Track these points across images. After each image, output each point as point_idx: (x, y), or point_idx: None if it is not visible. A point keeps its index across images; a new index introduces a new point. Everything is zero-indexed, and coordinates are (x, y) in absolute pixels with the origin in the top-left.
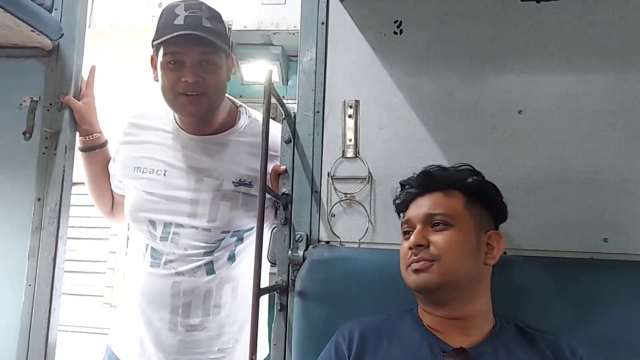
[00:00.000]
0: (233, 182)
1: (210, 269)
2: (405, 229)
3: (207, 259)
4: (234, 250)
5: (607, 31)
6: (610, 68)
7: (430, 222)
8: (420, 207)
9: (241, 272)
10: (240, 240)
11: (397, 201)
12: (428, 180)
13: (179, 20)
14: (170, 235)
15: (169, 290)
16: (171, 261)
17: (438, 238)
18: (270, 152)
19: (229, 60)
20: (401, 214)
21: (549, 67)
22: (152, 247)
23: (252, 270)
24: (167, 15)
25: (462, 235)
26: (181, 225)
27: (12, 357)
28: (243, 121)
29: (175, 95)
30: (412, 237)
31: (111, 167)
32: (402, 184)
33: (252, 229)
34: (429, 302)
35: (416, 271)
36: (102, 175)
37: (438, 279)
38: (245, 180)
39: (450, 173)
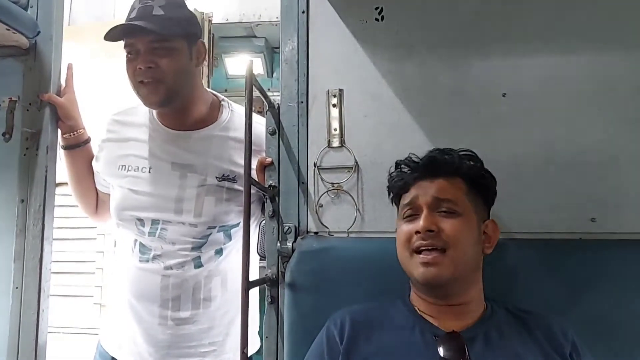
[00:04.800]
0: (217, 177)
1: (198, 262)
2: (409, 212)
3: (195, 254)
4: (222, 245)
5: (588, 11)
6: (592, 48)
7: (437, 207)
8: (427, 191)
9: (229, 265)
10: (229, 237)
11: (398, 182)
12: (433, 166)
13: (133, 13)
14: (158, 231)
15: (158, 284)
16: (159, 256)
17: (447, 225)
18: (252, 147)
19: (196, 46)
20: (390, 194)
21: (532, 50)
22: (140, 243)
23: (239, 262)
24: (128, 11)
25: (468, 224)
26: (169, 222)
27: None
28: (225, 115)
29: (136, 84)
30: (422, 222)
31: (94, 165)
32: (400, 164)
33: (238, 224)
34: (430, 294)
35: (425, 264)
36: (86, 174)
37: (447, 273)
38: (228, 175)
39: (454, 159)
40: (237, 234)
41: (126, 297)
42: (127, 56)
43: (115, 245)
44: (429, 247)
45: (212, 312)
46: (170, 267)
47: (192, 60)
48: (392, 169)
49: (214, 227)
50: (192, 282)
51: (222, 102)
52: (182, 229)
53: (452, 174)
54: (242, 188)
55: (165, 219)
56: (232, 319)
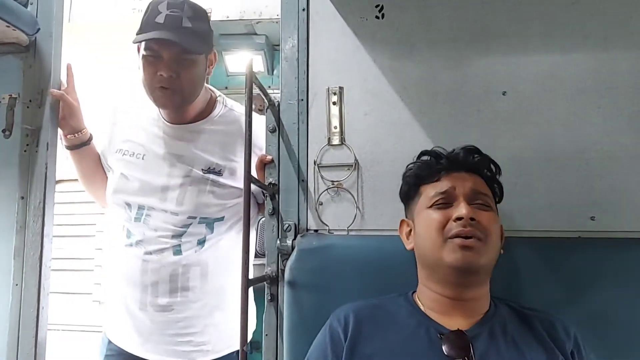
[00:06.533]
0: (202, 169)
1: (177, 250)
2: (441, 200)
3: (175, 242)
4: (204, 237)
5: (588, 9)
6: (592, 46)
7: (473, 200)
8: (464, 183)
9: (211, 257)
10: (211, 229)
11: (426, 170)
12: (469, 161)
13: (160, 19)
14: (143, 217)
15: (139, 268)
16: (141, 241)
17: (483, 217)
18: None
19: (210, 55)
20: (407, 185)
21: (532, 48)
22: (127, 228)
23: (223, 256)
24: (151, 11)
25: (497, 219)
26: (153, 208)
27: (1, 358)
28: (218, 110)
29: (152, 88)
30: (464, 210)
31: (100, 151)
32: (426, 154)
33: (222, 218)
34: (455, 281)
35: (465, 248)
36: (95, 168)
37: (483, 260)
38: (214, 169)
39: (485, 161)
40: (220, 227)
41: (116, 282)
42: (145, 57)
43: (106, 232)
44: (469, 235)
45: (190, 303)
46: (149, 253)
47: (206, 70)
48: (415, 158)
49: (195, 218)
50: (169, 269)
51: (218, 98)
52: (164, 216)
53: (481, 174)
54: (227, 182)
55: (150, 205)
56: (211, 311)
